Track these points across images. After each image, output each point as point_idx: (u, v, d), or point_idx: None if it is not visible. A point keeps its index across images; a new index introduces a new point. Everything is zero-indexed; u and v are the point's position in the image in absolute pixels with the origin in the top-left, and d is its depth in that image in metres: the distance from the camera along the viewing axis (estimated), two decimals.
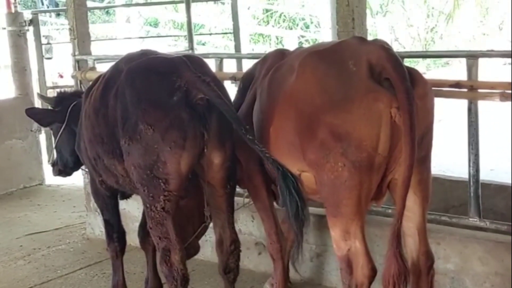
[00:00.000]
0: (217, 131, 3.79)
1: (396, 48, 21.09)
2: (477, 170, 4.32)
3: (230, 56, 5.42)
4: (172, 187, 3.75)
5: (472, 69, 4.22)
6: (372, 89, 3.46)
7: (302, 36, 17.89)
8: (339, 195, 3.56)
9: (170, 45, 15.27)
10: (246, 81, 4.53)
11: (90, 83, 4.89)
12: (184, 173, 3.73)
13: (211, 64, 5.37)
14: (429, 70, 18.13)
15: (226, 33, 13.31)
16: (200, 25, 17.56)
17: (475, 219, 4.37)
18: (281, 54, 4.29)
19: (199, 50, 8.48)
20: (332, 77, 3.58)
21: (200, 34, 16.45)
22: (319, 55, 3.71)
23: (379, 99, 3.44)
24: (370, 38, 4.75)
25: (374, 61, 3.51)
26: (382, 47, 3.58)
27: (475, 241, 4.31)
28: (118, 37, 11.50)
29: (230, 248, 4.09)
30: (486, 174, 6.33)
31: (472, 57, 4.22)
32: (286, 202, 3.62)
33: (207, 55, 5.52)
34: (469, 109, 4.29)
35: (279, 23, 19.52)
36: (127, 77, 3.87)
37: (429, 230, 4.38)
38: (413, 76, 3.53)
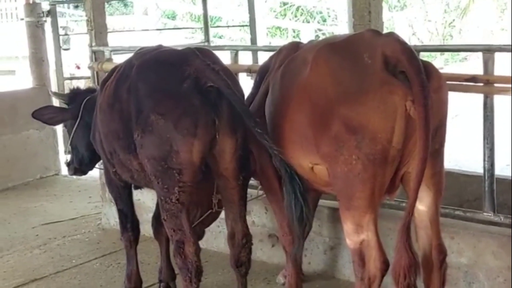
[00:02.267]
0: (229, 118, 3.79)
1: (414, 42, 21.07)
2: (492, 165, 4.31)
3: (245, 48, 5.42)
4: (186, 178, 3.76)
5: (488, 63, 4.20)
6: (387, 81, 3.45)
7: (319, 30, 17.88)
8: (353, 188, 3.56)
9: (187, 37, 15.30)
10: (261, 74, 4.54)
11: (106, 74, 4.93)
12: (197, 163, 3.74)
13: (227, 56, 5.41)
14: (446, 65, 18.07)
15: (242, 26, 13.30)
16: (217, 18, 17.59)
17: (490, 214, 4.36)
18: (295, 47, 4.29)
19: (215, 42, 8.46)
20: (346, 69, 3.57)
21: (217, 27, 16.48)
22: (333, 47, 3.71)
23: (394, 92, 3.43)
24: (386, 31, 4.74)
25: (389, 53, 3.49)
26: (397, 39, 3.57)
27: (488, 235, 4.30)
28: (136, 29, 11.50)
29: (242, 242, 4.09)
30: (502, 169, 6.33)
31: (488, 51, 4.21)
32: (291, 204, 3.68)
33: (222, 47, 5.55)
34: (485, 104, 4.27)
35: (296, 16, 19.52)
36: (138, 70, 3.91)
37: (443, 224, 4.38)
38: (428, 69, 3.52)
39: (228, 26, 16.16)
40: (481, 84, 4.21)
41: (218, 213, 4.45)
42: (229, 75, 3.96)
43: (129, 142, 3.93)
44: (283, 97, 3.93)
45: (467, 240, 4.37)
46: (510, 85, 4.09)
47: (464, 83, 4.25)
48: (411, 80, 3.41)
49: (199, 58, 3.82)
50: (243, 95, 4.06)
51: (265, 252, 5.31)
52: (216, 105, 3.74)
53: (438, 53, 17.48)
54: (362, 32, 3.80)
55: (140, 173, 4.03)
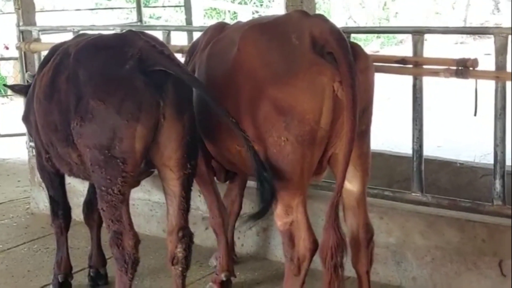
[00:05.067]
0: (175, 100, 3.59)
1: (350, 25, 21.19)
2: (420, 146, 4.36)
3: (177, 28, 5.33)
4: (129, 168, 3.56)
5: (417, 45, 4.23)
6: (315, 62, 3.45)
7: (256, 12, 17.83)
8: (282, 170, 3.55)
9: (119, 18, 15.07)
10: (189, 55, 4.50)
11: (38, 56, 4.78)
12: (140, 151, 3.54)
13: (159, 37, 5.32)
14: (382, 48, 18.25)
15: (177, 6, 13.16)
16: None
17: (418, 194, 4.42)
18: (221, 27, 4.26)
19: (149, 23, 8.28)
20: (274, 50, 3.55)
21: (154, 7, 16.27)
22: (261, 28, 3.68)
23: (322, 73, 3.43)
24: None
25: (317, 34, 3.49)
26: (324, 20, 3.57)
27: (416, 215, 4.36)
28: (68, 9, 11.25)
29: (178, 235, 3.81)
30: (433, 151, 6.44)
31: (417, 33, 4.23)
32: (259, 191, 3.57)
33: (154, 27, 5.44)
34: (414, 85, 4.31)
35: None
36: (77, 57, 3.71)
37: (372, 204, 4.45)
38: (355, 50, 3.53)
39: (164, 7, 15.95)
40: (411, 66, 4.24)
41: None
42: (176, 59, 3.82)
43: (67, 133, 3.73)
44: (210, 79, 3.89)
45: (395, 220, 4.42)
46: (439, 67, 4.13)
47: (394, 65, 4.27)
48: (339, 61, 3.41)
49: (142, 39, 3.64)
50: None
51: (198, 236, 5.21)
52: (161, 86, 3.54)
53: (374, 37, 17.67)
54: (289, 13, 3.79)
55: (79, 166, 3.86)
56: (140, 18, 6.73)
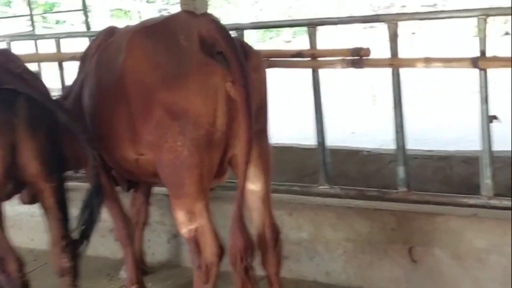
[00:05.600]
0: (29, 117, 3.50)
1: (261, 19, 21.20)
2: (323, 138, 4.32)
3: (68, 35, 5.14)
4: None
5: (312, 38, 4.18)
6: (205, 63, 3.35)
7: (165, 9, 17.63)
8: (181, 175, 3.44)
9: (27, 25, 14.60)
10: (82, 62, 4.34)
11: None
12: (1, 173, 3.44)
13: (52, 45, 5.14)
14: (295, 37, 18.37)
15: (76, 10, 12.84)
16: (57, 3, 16.96)
17: (325, 187, 4.39)
18: (110, 32, 4.11)
19: (54, 29, 7.91)
20: (163, 53, 3.43)
21: (57, 12, 15.86)
22: (147, 31, 3.56)
23: (213, 73, 3.33)
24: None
25: (205, 34, 3.39)
26: (212, 20, 3.46)
27: (326, 208, 4.33)
28: None
29: (61, 246, 3.76)
30: (344, 140, 6.46)
31: (311, 25, 4.18)
32: (83, 209, 3.56)
33: (43, 36, 5.23)
34: (313, 78, 4.26)
35: None
36: None
37: (281, 201, 4.41)
38: (245, 48, 3.45)
39: (59, 12, 15.54)
40: (308, 59, 4.18)
41: None
42: (32, 76, 3.70)
43: None
44: (100, 87, 3.75)
45: (305, 215, 4.37)
46: (335, 58, 4.09)
47: (291, 59, 4.21)
48: (229, 61, 3.32)
49: None
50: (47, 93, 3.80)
51: (107, 248, 5.10)
52: (13, 104, 3.45)
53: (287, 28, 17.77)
54: (176, 14, 3.67)
55: None
56: (32, 25, 6.50)
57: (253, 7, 21.20)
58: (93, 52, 4.10)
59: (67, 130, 3.75)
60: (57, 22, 18.23)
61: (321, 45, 4.26)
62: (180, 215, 3.53)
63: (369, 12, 19.77)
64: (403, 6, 20.79)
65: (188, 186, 3.45)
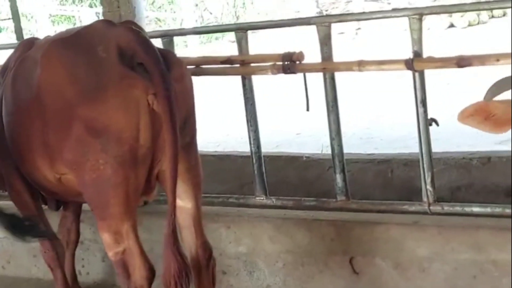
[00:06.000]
0: None
1: (207, 18, 20.98)
2: (258, 147, 4.15)
3: None
4: None
5: (242, 43, 4.01)
6: (125, 75, 3.15)
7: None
8: (105, 195, 3.24)
9: None
10: (1, 75, 4.08)
11: None
12: None
13: None
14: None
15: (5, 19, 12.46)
16: None
17: (262, 197, 4.21)
18: (30, 44, 3.86)
19: None
20: (80, 65, 3.22)
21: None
22: (63, 42, 3.35)
23: (134, 86, 3.14)
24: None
25: (123, 45, 3.20)
26: (130, 29, 3.28)
27: (264, 220, 4.16)
28: None
29: None
30: (277, 146, 6.32)
31: (240, 30, 4.00)
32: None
33: None
34: (244, 85, 4.09)
35: (82, 2, 18.80)
36: None
37: (218, 214, 4.25)
38: (167, 58, 3.26)
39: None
40: (237, 65, 4.00)
41: None
42: None
43: None
44: (17, 104, 3.52)
45: (243, 227, 4.20)
46: (266, 64, 3.92)
47: (221, 65, 4.03)
48: (150, 72, 3.14)
49: None
50: None
51: (40, 269, 4.86)
52: None
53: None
54: (93, 24, 3.45)
55: None
56: None
57: (198, 8, 20.97)
58: (12, 65, 3.86)
59: None
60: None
61: (256, 50, 4.10)
62: (106, 237, 3.33)
63: (314, 9, 19.74)
64: (348, 2, 20.80)
65: (113, 206, 3.25)
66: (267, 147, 7.54)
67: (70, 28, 3.64)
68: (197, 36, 15.55)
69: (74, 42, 3.32)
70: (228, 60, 3.98)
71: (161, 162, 3.32)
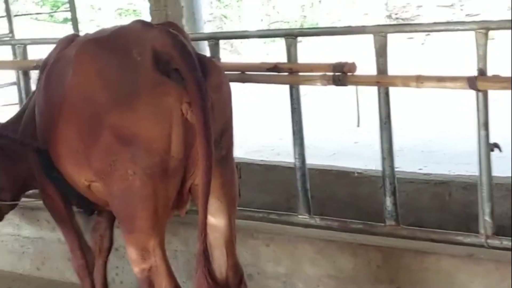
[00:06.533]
0: None
1: (274, 18, 20.71)
2: (303, 162, 3.86)
3: (33, 42, 4.70)
4: None
5: (291, 50, 3.73)
6: (159, 81, 2.93)
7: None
8: (132, 208, 3.03)
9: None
10: (41, 72, 3.92)
11: None
12: None
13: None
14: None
15: (64, 11, 12.36)
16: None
17: (305, 216, 3.93)
18: (70, 41, 3.67)
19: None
20: (113, 69, 3.02)
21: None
22: (97, 43, 3.14)
23: (167, 93, 2.91)
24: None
25: (159, 48, 2.97)
26: (168, 32, 3.04)
27: (305, 240, 3.89)
28: None
29: None
30: (349, 148, 6.00)
31: (289, 36, 3.73)
32: None
33: (8, 42, 4.83)
34: (291, 95, 3.81)
35: None
36: None
37: (257, 229, 3.99)
38: (205, 64, 3.02)
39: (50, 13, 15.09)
40: (285, 73, 3.73)
41: None
42: None
43: None
44: (49, 104, 3.36)
45: (283, 246, 3.93)
46: (315, 74, 3.64)
47: (266, 73, 3.77)
48: (186, 79, 2.91)
49: None
50: None
51: (74, 273, 4.69)
52: None
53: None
54: (130, 24, 3.23)
55: None
56: (11, 29, 6.08)
57: (263, 6, 20.71)
58: (51, 62, 3.69)
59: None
60: (66, 20, 17.90)
61: (304, 56, 3.83)
62: (132, 252, 3.13)
63: (383, 12, 19.25)
64: (419, 7, 20.21)
65: (141, 220, 3.04)
66: (322, 155, 7.32)
67: (107, 27, 3.42)
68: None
69: (109, 42, 3.11)
70: (275, 68, 3.71)
71: (194, 175, 3.09)
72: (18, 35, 6.40)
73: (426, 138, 8.00)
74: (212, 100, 2.92)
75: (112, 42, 3.11)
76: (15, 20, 6.31)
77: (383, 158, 3.59)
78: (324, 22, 18.93)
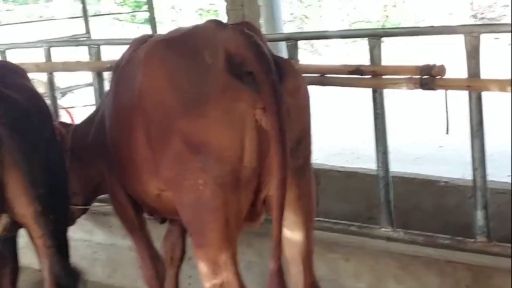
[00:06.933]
0: (12, 146, 2.87)
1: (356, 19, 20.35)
2: (387, 171, 3.60)
3: (107, 42, 4.57)
4: None
5: (374, 51, 3.48)
6: (231, 86, 2.74)
7: None
8: (203, 220, 2.85)
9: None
10: (114, 73, 3.80)
11: None
12: None
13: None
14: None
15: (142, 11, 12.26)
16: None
17: (388, 229, 3.67)
18: (143, 41, 3.52)
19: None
20: (184, 71, 2.84)
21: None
22: (168, 43, 2.98)
23: (239, 98, 2.72)
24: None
25: (232, 50, 2.78)
26: (242, 32, 2.84)
27: (388, 255, 3.64)
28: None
29: None
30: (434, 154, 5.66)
31: (373, 37, 3.47)
32: None
33: (83, 42, 4.73)
34: (374, 99, 3.56)
35: None
36: None
37: (337, 243, 3.76)
38: (282, 67, 2.81)
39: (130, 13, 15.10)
40: (368, 76, 3.48)
41: None
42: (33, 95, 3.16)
43: None
44: (118, 107, 3.22)
45: (364, 261, 3.70)
46: (400, 77, 3.38)
47: (348, 76, 3.52)
48: (260, 83, 2.70)
49: None
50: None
51: None
52: None
53: None
54: (202, 24, 3.05)
55: None
56: (87, 30, 6.02)
57: (345, 6, 20.37)
58: (122, 64, 3.56)
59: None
60: (147, 20, 18.02)
61: (386, 59, 3.57)
62: (203, 266, 2.92)
63: (468, 12, 18.64)
64: (505, 6, 19.47)
65: (211, 233, 2.85)
66: (405, 160, 6.99)
67: (180, 27, 3.25)
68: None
69: (180, 43, 2.94)
70: (357, 70, 3.47)
71: (269, 186, 2.88)
72: (96, 35, 6.38)
73: None
74: (288, 106, 2.72)
75: (183, 43, 2.94)
76: (94, 21, 6.27)
77: (474, 169, 3.30)
78: (407, 23, 18.45)
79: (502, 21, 15.75)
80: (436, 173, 5.12)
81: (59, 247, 3.07)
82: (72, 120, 8.02)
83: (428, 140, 8.09)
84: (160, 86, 2.89)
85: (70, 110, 8.37)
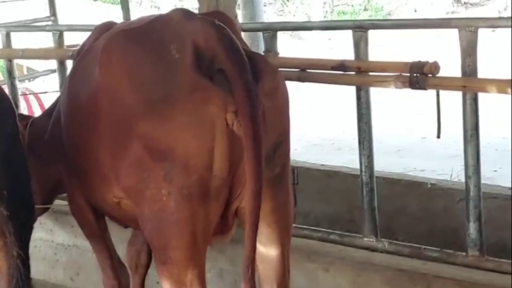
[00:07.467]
0: None
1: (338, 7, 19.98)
2: (370, 176, 3.31)
3: (69, 28, 4.22)
4: None
5: (360, 45, 3.16)
6: (199, 85, 2.44)
7: None
8: (166, 235, 2.56)
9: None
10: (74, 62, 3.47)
11: None
12: None
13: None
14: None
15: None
16: None
17: (371, 239, 3.38)
18: (106, 29, 3.17)
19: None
20: (146, 68, 2.54)
21: None
22: (128, 35, 2.66)
23: (208, 100, 2.43)
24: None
25: (202, 44, 2.48)
26: (213, 24, 2.53)
27: (371, 267, 3.34)
28: None
29: None
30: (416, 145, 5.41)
31: (360, 29, 3.15)
32: None
33: (43, 28, 4.39)
34: (358, 98, 3.25)
35: None
36: None
37: (316, 252, 3.47)
38: (257, 64, 2.51)
39: None
40: (352, 72, 3.17)
41: None
42: None
43: None
44: (72, 105, 2.90)
45: (345, 273, 3.41)
46: (390, 74, 3.07)
47: (331, 71, 3.21)
48: (232, 82, 2.41)
49: None
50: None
51: None
52: None
53: (361, 10, 16.53)
54: (170, 13, 2.73)
55: None
56: (53, 12, 5.63)
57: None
58: (82, 55, 3.21)
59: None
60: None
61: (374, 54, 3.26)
62: (166, 286, 2.64)
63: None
64: None
65: (176, 250, 2.57)
66: (386, 152, 6.70)
67: (143, 16, 2.91)
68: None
69: (142, 35, 2.63)
70: (341, 66, 3.15)
71: (241, 196, 2.62)
72: (65, 18, 6.00)
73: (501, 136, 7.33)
74: (264, 108, 2.44)
75: (146, 34, 2.62)
76: (66, 2, 5.88)
77: (468, 177, 3.01)
78: (389, 7, 18.16)
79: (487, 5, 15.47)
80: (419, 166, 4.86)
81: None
82: (42, 106, 7.65)
83: (411, 130, 7.84)
84: (119, 83, 2.57)
85: (40, 96, 7.98)
